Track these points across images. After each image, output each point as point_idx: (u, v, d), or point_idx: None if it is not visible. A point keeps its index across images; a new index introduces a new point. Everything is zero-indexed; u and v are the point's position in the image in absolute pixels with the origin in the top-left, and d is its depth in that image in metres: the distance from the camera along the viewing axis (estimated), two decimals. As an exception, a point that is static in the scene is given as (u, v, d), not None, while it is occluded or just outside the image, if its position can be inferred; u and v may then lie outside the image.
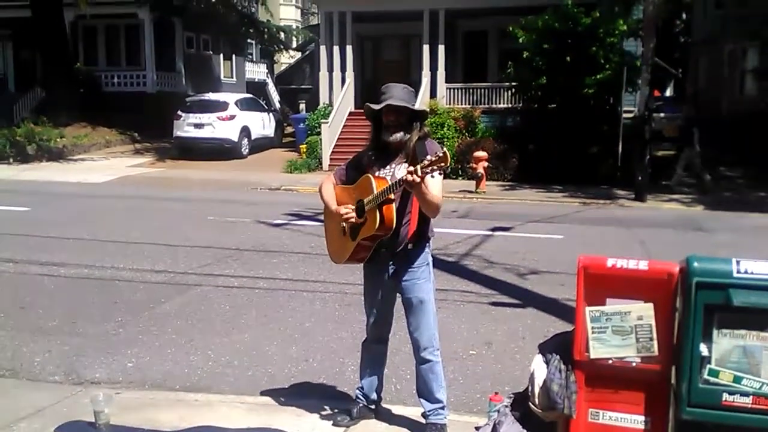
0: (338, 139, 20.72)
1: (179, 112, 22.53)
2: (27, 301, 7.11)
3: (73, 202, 14.40)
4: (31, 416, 4.34)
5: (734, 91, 25.19)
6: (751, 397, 2.95)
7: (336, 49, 22.47)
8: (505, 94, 21.38)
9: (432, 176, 3.63)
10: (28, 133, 21.73)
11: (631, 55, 18.66)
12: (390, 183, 3.76)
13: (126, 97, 26.80)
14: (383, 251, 3.97)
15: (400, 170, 3.80)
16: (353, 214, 3.89)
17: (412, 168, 3.55)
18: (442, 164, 3.49)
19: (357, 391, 4.39)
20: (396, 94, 3.92)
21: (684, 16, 36.63)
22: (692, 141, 17.04)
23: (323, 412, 4.42)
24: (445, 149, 3.56)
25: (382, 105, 3.90)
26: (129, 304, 7.10)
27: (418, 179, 3.52)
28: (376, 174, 3.89)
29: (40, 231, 10.66)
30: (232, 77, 34.40)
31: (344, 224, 3.97)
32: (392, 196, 3.79)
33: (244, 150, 23.12)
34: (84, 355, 5.71)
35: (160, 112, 24.33)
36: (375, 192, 3.77)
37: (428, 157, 3.53)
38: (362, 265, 4.16)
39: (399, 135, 3.90)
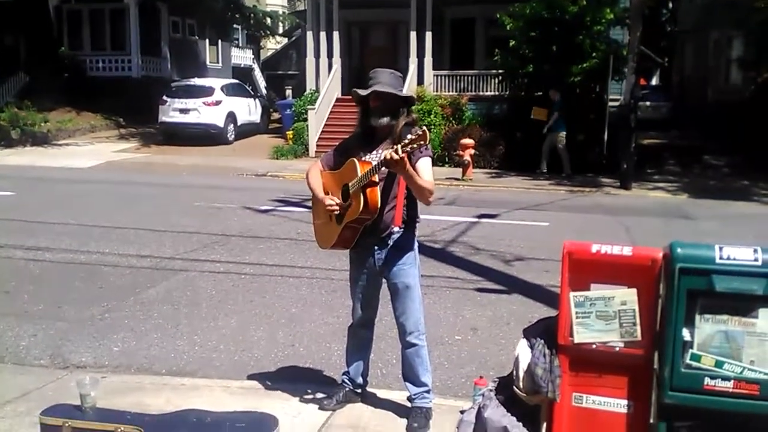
0: (325, 125, 20.66)
1: (164, 98, 22.40)
2: (12, 286, 7.08)
3: (58, 187, 14.31)
4: (16, 399, 4.34)
5: (720, 79, 25.30)
6: (732, 381, 2.99)
7: (323, 35, 22.36)
8: (493, 81, 21.39)
9: (418, 156, 3.64)
10: (12, 117, 21.56)
11: (617, 44, 18.71)
12: (373, 164, 3.77)
13: (111, 81, 26.60)
14: (369, 235, 3.98)
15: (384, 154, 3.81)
16: (336, 207, 3.90)
17: (393, 147, 3.56)
18: (422, 142, 3.50)
19: (343, 376, 4.42)
20: (383, 79, 3.92)
21: (670, 5, 36.71)
22: (554, 125, 17.50)
23: (309, 396, 4.44)
24: (424, 127, 3.57)
25: (369, 91, 3.91)
26: (115, 289, 7.09)
27: (398, 157, 3.53)
28: (363, 158, 3.90)
29: (24, 216, 10.60)
30: (218, 62, 34.22)
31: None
32: (376, 178, 3.80)
33: (230, 136, 23.04)
34: (70, 339, 5.70)
35: (145, 97, 24.19)
36: (359, 175, 3.78)
37: (408, 136, 3.54)
38: (348, 250, 4.18)
39: (385, 120, 3.91)
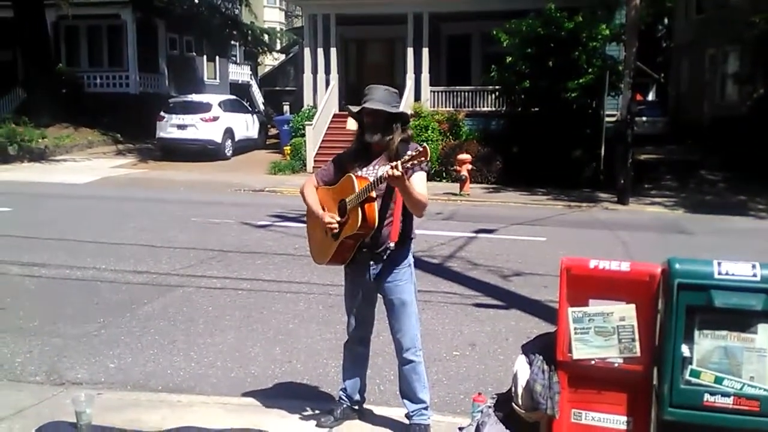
0: (322, 141, 20.70)
1: (162, 113, 22.43)
2: (7, 302, 7.04)
3: (55, 202, 14.29)
4: (12, 417, 4.31)
5: (716, 95, 25.41)
6: (732, 397, 2.97)
7: (320, 51, 22.45)
8: (489, 97, 21.47)
9: (414, 171, 3.64)
10: (10, 133, 21.54)
11: (613, 60, 18.79)
12: (371, 180, 3.77)
13: (108, 98, 26.63)
14: (365, 251, 3.97)
15: (382, 170, 3.81)
16: (336, 225, 3.90)
17: (393, 163, 3.57)
18: (422, 158, 3.51)
19: (340, 392, 4.39)
20: (377, 96, 3.93)
21: (666, 20, 36.92)
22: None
23: (307, 413, 4.41)
24: (425, 144, 3.58)
25: (360, 108, 3.93)
26: (111, 305, 7.05)
27: (398, 173, 3.53)
28: (359, 174, 3.90)
29: (21, 231, 10.57)
30: (215, 79, 34.28)
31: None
32: (374, 195, 3.80)
33: (228, 151, 23.06)
34: (65, 355, 5.67)
35: (142, 113, 24.21)
36: (357, 191, 3.78)
37: (409, 153, 3.55)
38: (344, 266, 4.16)
39: (377, 137, 3.91)
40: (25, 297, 7.25)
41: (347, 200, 3.85)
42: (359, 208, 3.77)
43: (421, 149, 3.52)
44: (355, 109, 3.97)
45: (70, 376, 5.27)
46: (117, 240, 10.20)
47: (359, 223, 3.77)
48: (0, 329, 6.22)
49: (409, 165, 3.54)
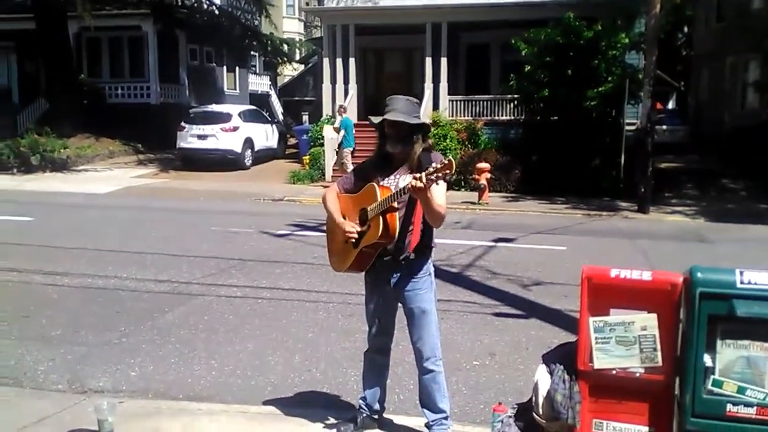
0: (341, 150, 20.76)
1: (183, 124, 22.59)
2: (30, 310, 7.11)
3: (77, 212, 14.42)
4: (34, 425, 4.35)
5: (736, 103, 25.21)
6: (755, 407, 2.95)
7: (339, 61, 22.55)
8: (508, 106, 21.45)
9: (437, 183, 3.65)
10: (32, 143, 21.79)
11: (633, 68, 18.71)
12: (394, 191, 3.78)
13: (130, 108, 26.85)
14: (385, 260, 3.98)
15: (404, 180, 3.82)
16: (355, 235, 3.91)
17: (417, 175, 3.57)
18: (447, 171, 3.51)
19: (360, 401, 4.39)
20: (398, 107, 3.94)
21: (686, 29, 36.75)
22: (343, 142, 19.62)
23: (326, 422, 4.42)
24: (450, 157, 3.58)
25: (382, 119, 3.94)
26: (132, 314, 7.10)
27: (422, 185, 3.54)
28: (381, 183, 3.92)
29: (43, 241, 10.68)
30: (235, 89, 34.47)
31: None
32: (396, 205, 3.81)
33: (248, 161, 23.17)
34: (87, 364, 5.71)
35: (163, 124, 24.39)
36: (379, 200, 3.79)
37: (434, 165, 3.55)
38: (364, 274, 4.17)
39: (399, 147, 3.93)
40: (47, 306, 7.32)
41: (369, 209, 3.87)
42: (381, 218, 3.79)
43: (446, 162, 3.51)
44: (376, 119, 3.98)
45: (92, 385, 5.31)
46: (138, 249, 10.27)
47: (380, 232, 3.78)
48: (23, 337, 6.29)
49: (433, 177, 3.54)
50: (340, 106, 20.81)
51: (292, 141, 27.54)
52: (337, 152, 20.03)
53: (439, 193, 3.80)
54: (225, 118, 22.69)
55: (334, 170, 20.06)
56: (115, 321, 6.86)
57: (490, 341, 6.42)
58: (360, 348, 4.58)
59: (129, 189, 19.04)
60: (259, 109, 27.30)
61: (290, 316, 7.14)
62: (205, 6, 29.41)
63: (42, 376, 5.44)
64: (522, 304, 7.65)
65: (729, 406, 2.97)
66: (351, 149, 19.69)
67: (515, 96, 19.99)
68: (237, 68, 34.35)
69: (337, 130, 20.01)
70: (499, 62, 23.50)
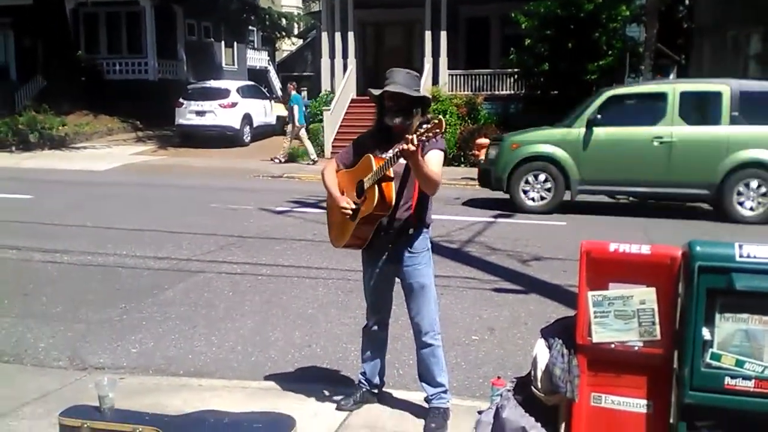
0: (340, 126, 20.70)
1: (181, 100, 22.54)
2: (30, 288, 7.12)
3: (76, 189, 14.41)
4: (35, 401, 4.37)
5: (738, 76, 25.04)
6: (753, 380, 2.95)
7: (338, 35, 22.41)
8: (508, 80, 21.37)
9: (430, 147, 3.62)
10: (30, 121, 21.74)
11: (633, 41, 18.66)
12: (387, 158, 3.76)
13: (128, 84, 26.78)
14: (383, 235, 3.97)
15: (398, 148, 3.79)
16: (350, 211, 3.90)
17: (408, 137, 3.55)
18: (437, 130, 3.49)
19: (360, 376, 4.41)
20: (398, 79, 3.91)
21: (687, 1, 36.44)
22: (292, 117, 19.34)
23: (326, 397, 4.44)
24: (440, 116, 3.56)
25: (381, 91, 3.91)
26: (132, 291, 7.12)
27: (413, 147, 3.52)
28: (378, 155, 3.89)
29: (42, 218, 10.68)
30: (233, 64, 34.34)
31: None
32: (391, 173, 3.79)
33: (246, 137, 23.13)
34: (88, 341, 5.73)
35: (161, 100, 24.33)
36: (374, 169, 3.78)
37: (424, 126, 3.54)
38: (361, 251, 4.17)
39: (399, 119, 3.89)
40: (47, 283, 7.33)
41: (365, 180, 3.85)
42: (376, 187, 3.77)
43: (436, 121, 3.50)
44: (376, 92, 3.96)
45: (93, 361, 5.32)
46: (137, 226, 10.27)
47: (375, 202, 3.76)
48: (23, 315, 6.31)
49: (424, 138, 3.52)
50: (290, 82, 20.79)
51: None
52: (289, 131, 19.83)
53: (433, 161, 3.78)
54: (223, 94, 22.64)
55: (286, 151, 20.04)
56: (115, 298, 6.87)
57: (489, 316, 6.44)
58: (360, 324, 4.59)
59: (128, 166, 19.02)
60: (257, 84, 27.20)
61: (290, 292, 7.15)
62: (202, -21, 29.26)
63: (43, 353, 5.46)
64: (521, 280, 7.65)
65: (727, 379, 2.97)
66: (303, 125, 19.62)
67: (515, 70, 19.93)
68: (235, 43, 34.22)
69: (289, 108, 19.71)
70: (499, 36, 23.38)
